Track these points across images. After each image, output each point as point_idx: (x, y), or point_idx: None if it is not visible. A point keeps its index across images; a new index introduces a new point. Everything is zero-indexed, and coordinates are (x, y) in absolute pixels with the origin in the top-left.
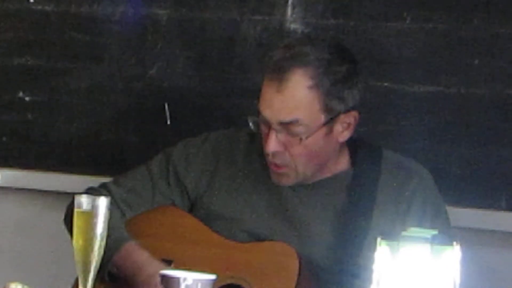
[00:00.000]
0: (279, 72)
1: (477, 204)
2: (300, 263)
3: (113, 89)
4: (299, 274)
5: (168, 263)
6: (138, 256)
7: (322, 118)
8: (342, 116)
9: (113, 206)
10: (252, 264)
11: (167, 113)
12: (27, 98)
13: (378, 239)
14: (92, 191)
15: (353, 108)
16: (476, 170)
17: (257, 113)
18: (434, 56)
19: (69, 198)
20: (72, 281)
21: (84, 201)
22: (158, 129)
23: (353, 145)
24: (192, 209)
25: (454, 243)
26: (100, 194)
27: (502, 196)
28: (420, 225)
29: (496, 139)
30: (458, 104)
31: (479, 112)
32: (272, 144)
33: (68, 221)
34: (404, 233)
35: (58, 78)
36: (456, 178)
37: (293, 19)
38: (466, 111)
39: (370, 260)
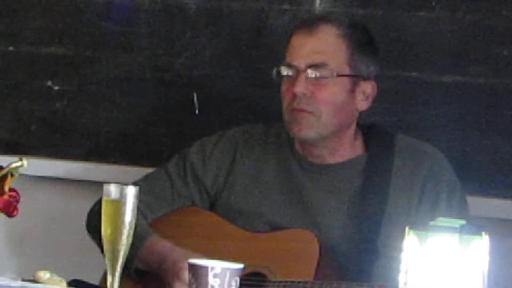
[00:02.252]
0: (309, 23)
1: (504, 194)
2: (320, 247)
3: (142, 78)
4: (320, 259)
5: None
6: (162, 246)
7: (348, 70)
8: (363, 82)
9: None
10: (273, 252)
11: (196, 103)
12: (55, 88)
13: (407, 229)
14: None
15: (372, 79)
16: (504, 160)
17: (278, 74)
18: (463, 46)
19: (97, 187)
20: (100, 269)
21: (112, 190)
22: (186, 119)
23: (367, 131)
24: (212, 206)
25: (483, 233)
26: None
27: None
28: (435, 205)
29: None
30: (486, 94)
31: (507, 102)
32: (301, 85)
33: (91, 228)
34: (432, 222)
35: (87, 67)
36: (484, 168)
37: (321, 9)
38: (494, 101)
39: (387, 244)
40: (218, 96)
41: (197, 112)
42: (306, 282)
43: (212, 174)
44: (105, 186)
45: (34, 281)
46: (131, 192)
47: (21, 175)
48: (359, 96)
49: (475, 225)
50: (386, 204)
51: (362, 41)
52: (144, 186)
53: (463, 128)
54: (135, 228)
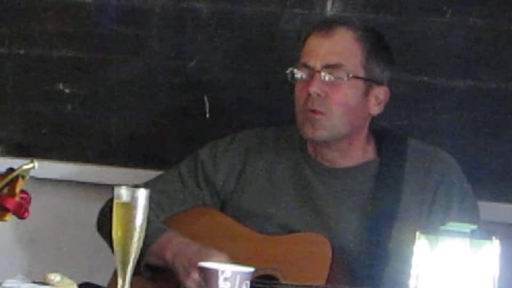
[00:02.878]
0: (326, 25)
1: None
2: (333, 251)
3: (153, 82)
4: (332, 262)
5: None
6: (178, 241)
7: (362, 73)
8: (376, 87)
9: None
10: (286, 255)
11: (207, 106)
12: (67, 90)
13: (417, 233)
14: None
15: (385, 84)
16: None
17: (292, 76)
18: (474, 50)
19: (108, 190)
20: (111, 272)
21: (123, 192)
22: (197, 122)
23: (379, 136)
24: (223, 208)
25: (493, 237)
26: None
27: None
28: (447, 210)
29: None
30: (498, 99)
31: None
32: (316, 86)
33: (102, 227)
34: (443, 227)
35: (98, 70)
36: (495, 173)
37: (333, 13)
38: (506, 106)
39: (399, 249)
40: (229, 100)
41: (208, 115)
42: (318, 286)
43: (223, 176)
44: (116, 189)
45: (45, 283)
46: (142, 194)
47: (32, 177)
48: (372, 101)
49: (486, 229)
50: (398, 209)
51: (378, 46)
52: (156, 186)
53: (474, 133)
54: (148, 224)
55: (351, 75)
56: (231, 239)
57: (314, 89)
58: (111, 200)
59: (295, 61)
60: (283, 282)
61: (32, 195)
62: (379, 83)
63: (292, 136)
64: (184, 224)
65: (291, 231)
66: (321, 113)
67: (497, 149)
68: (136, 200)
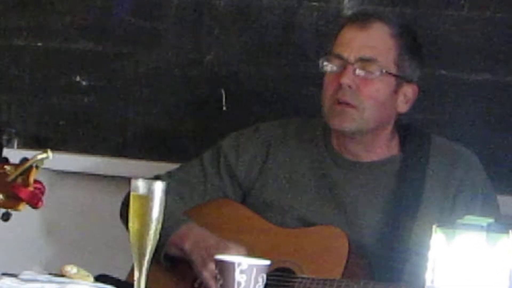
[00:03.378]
0: (362, 18)
1: None
2: (349, 244)
3: (170, 74)
4: (349, 256)
5: None
6: (197, 232)
7: (394, 69)
8: (406, 84)
9: (167, 197)
10: (303, 248)
11: (224, 100)
12: (84, 83)
13: (434, 227)
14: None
15: (415, 83)
16: None
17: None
18: (492, 44)
19: (124, 182)
20: (127, 265)
21: (140, 185)
22: (214, 115)
23: (403, 131)
24: (244, 199)
25: (510, 231)
26: None
27: None
28: (469, 210)
29: None
30: None
31: None
32: (349, 77)
33: (123, 215)
34: (459, 220)
35: (115, 63)
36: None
37: (350, 6)
38: None
39: (420, 244)
40: (246, 93)
41: (224, 108)
42: (332, 280)
43: (245, 167)
44: (133, 181)
45: (61, 275)
46: (158, 187)
47: (48, 169)
48: (401, 98)
49: (503, 223)
50: (419, 205)
51: (411, 43)
52: (178, 175)
53: (491, 126)
54: (169, 213)
55: (384, 71)
56: (249, 231)
57: (346, 80)
58: None
59: (312, 54)
60: (299, 275)
61: (48, 188)
62: (409, 80)
63: (315, 129)
64: (205, 215)
65: (310, 224)
66: (351, 105)
67: None
68: (152, 192)
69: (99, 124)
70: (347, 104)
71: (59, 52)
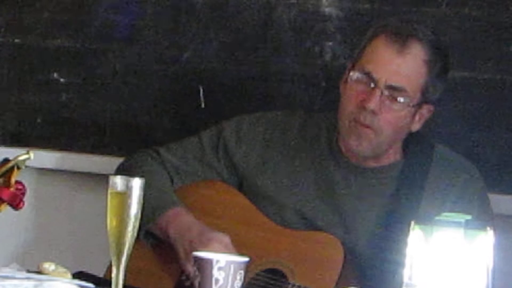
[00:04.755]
0: (402, 36)
1: (511, 191)
2: (345, 255)
3: (147, 71)
4: (343, 267)
5: None
6: (184, 219)
7: (419, 97)
8: (424, 106)
9: (163, 170)
10: (298, 252)
11: (202, 96)
12: (61, 79)
13: (412, 223)
14: (142, 153)
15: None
16: (511, 157)
17: (349, 72)
18: (469, 41)
19: (102, 180)
20: (105, 261)
21: (118, 182)
22: (192, 112)
23: (407, 138)
24: (240, 186)
25: (488, 228)
26: (150, 156)
27: None
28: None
29: None
30: (493, 90)
31: None
32: (375, 102)
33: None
34: (437, 217)
35: (93, 60)
36: (490, 164)
37: (328, 3)
38: (501, 97)
39: None
40: (224, 90)
41: (203, 105)
42: None
43: (243, 154)
44: (111, 178)
45: (39, 272)
46: (137, 184)
47: (26, 167)
48: (416, 118)
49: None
50: (417, 214)
51: (442, 68)
52: (175, 149)
53: (470, 124)
54: (160, 191)
55: (410, 104)
56: (246, 224)
57: (372, 106)
58: (129, 159)
59: (290, 51)
60: (291, 282)
61: (26, 184)
62: (428, 102)
63: (319, 125)
64: (201, 199)
65: (307, 220)
66: (371, 128)
67: (493, 140)
68: (131, 189)
69: (77, 121)
70: (368, 127)
71: (37, 49)
